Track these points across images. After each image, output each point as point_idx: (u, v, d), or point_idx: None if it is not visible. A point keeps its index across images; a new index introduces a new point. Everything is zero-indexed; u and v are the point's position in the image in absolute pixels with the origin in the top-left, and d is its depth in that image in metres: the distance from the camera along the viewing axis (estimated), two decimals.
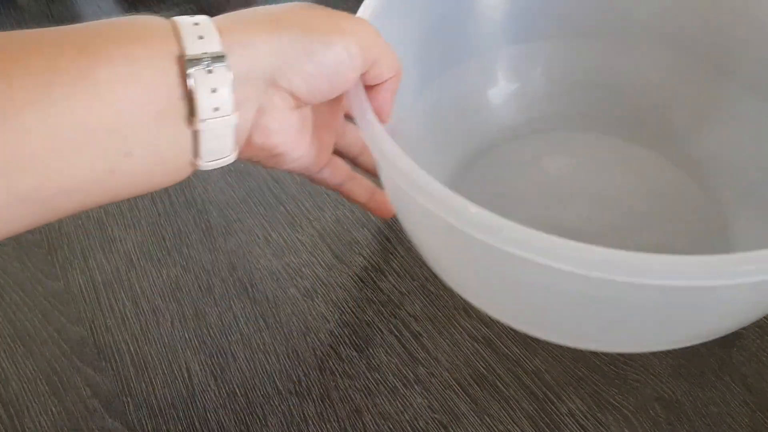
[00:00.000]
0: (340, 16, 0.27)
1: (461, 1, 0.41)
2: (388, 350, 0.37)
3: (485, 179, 0.43)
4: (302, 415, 0.35)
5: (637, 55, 0.44)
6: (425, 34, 0.39)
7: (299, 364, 0.37)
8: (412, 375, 0.36)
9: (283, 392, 0.36)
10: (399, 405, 0.35)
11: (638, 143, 0.44)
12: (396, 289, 0.40)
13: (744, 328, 0.37)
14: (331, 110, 0.32)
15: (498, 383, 0.36)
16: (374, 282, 0.41)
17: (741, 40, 0.40)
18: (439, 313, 0.39)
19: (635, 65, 0.44)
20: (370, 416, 0.35)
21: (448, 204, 0.24)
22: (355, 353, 0.37)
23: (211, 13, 0.26)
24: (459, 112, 0.44)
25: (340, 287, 0.40)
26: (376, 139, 0.27)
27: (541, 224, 0.38)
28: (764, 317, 0.37)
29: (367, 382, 0.36)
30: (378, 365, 0.37)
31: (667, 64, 0.43)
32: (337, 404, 0.35)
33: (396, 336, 0.38)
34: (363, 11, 0.32)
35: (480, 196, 0.41)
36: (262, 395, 0.36)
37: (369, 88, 0.30)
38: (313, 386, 0.36)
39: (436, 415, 0.35)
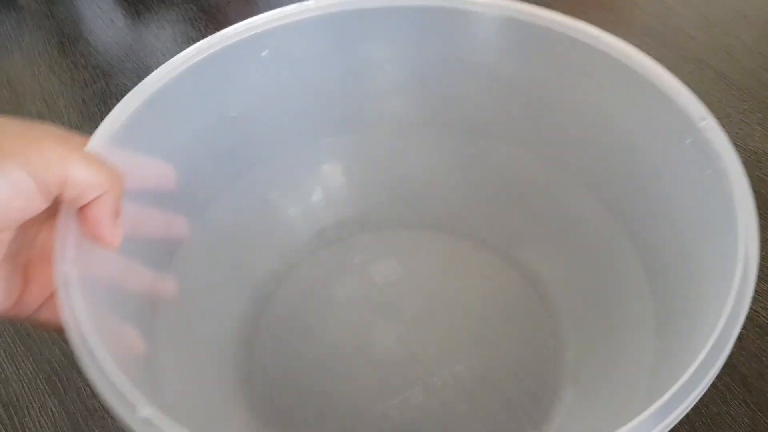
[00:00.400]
0: (6, 136, 0.22)
1: (243, 103, 0.34)
2: None
3: (300, 293, 0.38)
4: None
5: (463, 146, 0.38)
6: (201, 140, 0.33)
7: None
8: None
9: None
10: None
11: (472, 243, 0.39)
12: None
13: (744, 328, 0.37)
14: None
15: None
16: None
17: (579, 140, 0.34)
18: None
19: (462, 157, 0.38)
20: None
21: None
22: None
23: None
24: (262, 220, 0.38)
25: None
26: (57, 279, 0.23)
27: (352, 353, 0.35)
28: (765, 315, 0.37)
29: None
30: None
31: (499, 158, 0.37)
32: None
33: None
34: (103, 127, 0.27)
35: (288, 316, 0.37)
36: None
37: (80, 210, 0.25)
38: None
39: None
